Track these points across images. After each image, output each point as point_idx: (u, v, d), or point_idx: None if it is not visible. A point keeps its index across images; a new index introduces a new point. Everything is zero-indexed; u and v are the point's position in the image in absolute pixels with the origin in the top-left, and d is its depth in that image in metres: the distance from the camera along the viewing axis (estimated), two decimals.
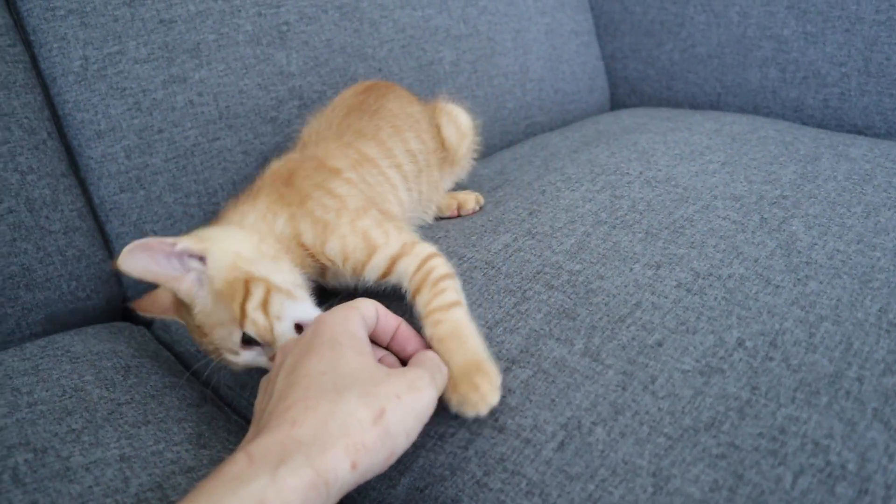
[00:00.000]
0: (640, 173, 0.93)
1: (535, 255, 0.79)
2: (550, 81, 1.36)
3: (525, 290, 0.75)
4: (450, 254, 0.82)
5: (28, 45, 0.90)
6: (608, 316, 0.70)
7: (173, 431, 0.67)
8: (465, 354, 0.62)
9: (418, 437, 0.55)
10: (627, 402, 0.61)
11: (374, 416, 0.51)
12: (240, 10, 0.99)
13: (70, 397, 0.68)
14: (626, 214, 0.84)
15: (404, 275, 0.71)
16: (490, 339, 0.69)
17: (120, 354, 0.78)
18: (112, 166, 0.93)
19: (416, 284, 0.69)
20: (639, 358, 0.65)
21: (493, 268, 0.79)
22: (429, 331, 0.65)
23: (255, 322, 0.65)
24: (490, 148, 1.27)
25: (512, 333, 0.70)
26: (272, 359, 0.65)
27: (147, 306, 0.73)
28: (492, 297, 0.75)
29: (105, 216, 0.94)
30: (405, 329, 0.66)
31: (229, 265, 0.67)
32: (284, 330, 0.67)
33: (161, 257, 0.64)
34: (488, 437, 0.61)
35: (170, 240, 0.64)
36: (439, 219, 0.95)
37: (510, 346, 0.69)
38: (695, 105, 1.40)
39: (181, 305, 0.69)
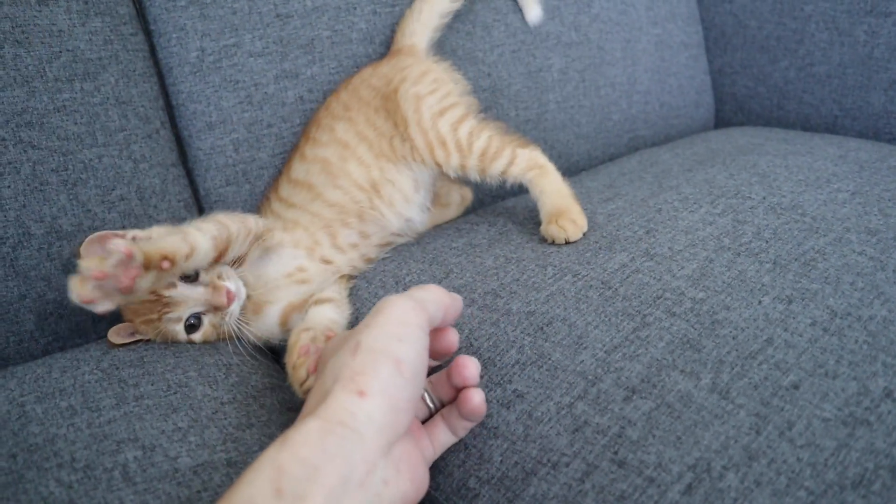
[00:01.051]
0: (763, 198, 0.88)
1: (654, 278, 0.75)
2: (657, 94, 1.31)
3: (645, 316, 0.71)
4: (562, 270, 0.79)
5: (148, 34, 0.90)
6: (737, 351, 0.65)
7: (277, 437, 0.65)
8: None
9: (528, 463, 0.54)
10: (762, 448, 0.56)
11: (352, 349, 0.53)
12: (355, 8, 0.98)
13: (175, 393, 0.67)
14: (750, 242, 0.79)
15: None
16: (608, 364, 0.66)
17: (221, 351, 0.77)
18: (220, 159, 0.93)
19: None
20: (773, 400, 0.60)
21: (610, 288, 0.75)
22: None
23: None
24: (592, 160, 1.24)
25: (632, 360, 0.66)
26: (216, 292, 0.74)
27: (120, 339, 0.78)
28: (609, 320, 0.71)
29: (209, 208, 0.94)
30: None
31: None
32: (222, 269, 0.76)
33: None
34: (607, 471, 0.58)
35: (121, 231, 0.75)
36: None
37: (630, 373, 0.65)
38: (807, 127, 1.34)
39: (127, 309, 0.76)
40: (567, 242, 0.84)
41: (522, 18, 1.12)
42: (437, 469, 0.65)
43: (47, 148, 0.80)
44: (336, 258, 0.88)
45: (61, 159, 0.80)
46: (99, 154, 0.83)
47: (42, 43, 0.80)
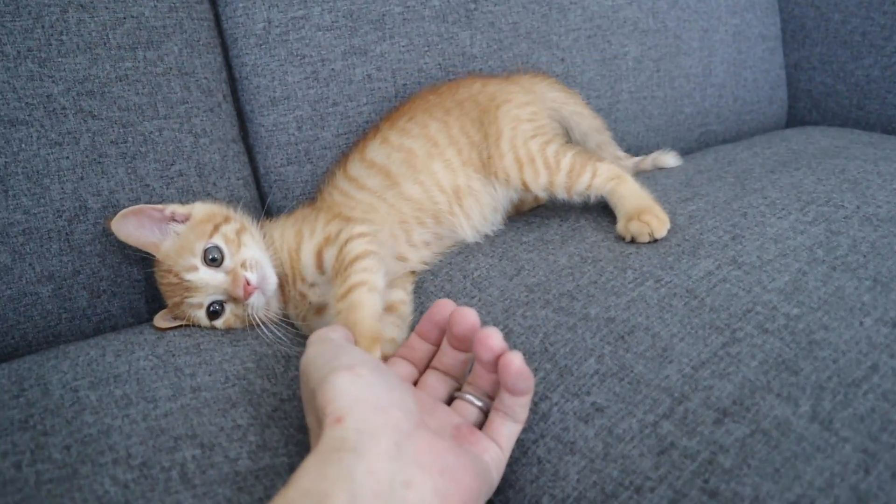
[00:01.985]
0: (857, 207, 0.82)
1: (743, 289, 0.70)
2: (731, 88, 1.25)
3: (735, 330, 0.66)
4: (643, 274, 0.74)
5: (213, 2, 0.87)
6: (838, 376, 0.60)
7: None
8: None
9: (608, 485, 0.53)
10: (874, 491, 0.51)
11: (314, 394, 0.51)
12: None
13: (233, 386, 0.64)
14: (846, 255, 0.74)
15: None
16: (695, 381, 0.61)
17: (279, 341, 0.73)
18: (282, 136, 0.89)
19: None
20: (882, 436, 0.55)
21: (696, 298, 0.70)
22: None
23: (226, 235, 0.74)
24: None
25: (721, 379, 0.62)
26: (235, 281, 0.72)
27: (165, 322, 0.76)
28: (695, 332, 0.66)
29: (268, 187, 0.90)
30: None
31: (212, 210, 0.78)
32: (247, 257, 0.74)
33: (147, 222, 0.74)
34: (697, 501, 0.54)
35: (160, 206, 0.75)
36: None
37: (720, 393, 0.60)
38: (889, 129, 1.26)
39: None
40: (652, 239, 0.80)
41: (600, 2, 1.06)
42: (508, 483, 0.61)
43: (107, 118, 0.76)
44: (410, 255, 0.85)
45: (121, 131, 0.77)
46: (159, 126, 0.79)
47: (106, 8, 0.76)
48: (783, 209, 0.83)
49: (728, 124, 1.27)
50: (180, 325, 0.75)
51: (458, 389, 0.63)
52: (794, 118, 1.41)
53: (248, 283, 0.72)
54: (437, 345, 0.65)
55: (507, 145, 0.86)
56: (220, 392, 0.63)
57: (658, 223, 0.80)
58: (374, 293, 0.70)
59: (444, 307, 0.63)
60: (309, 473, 0.45)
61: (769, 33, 1.32)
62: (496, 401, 0.59)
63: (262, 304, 0.75)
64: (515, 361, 0.56)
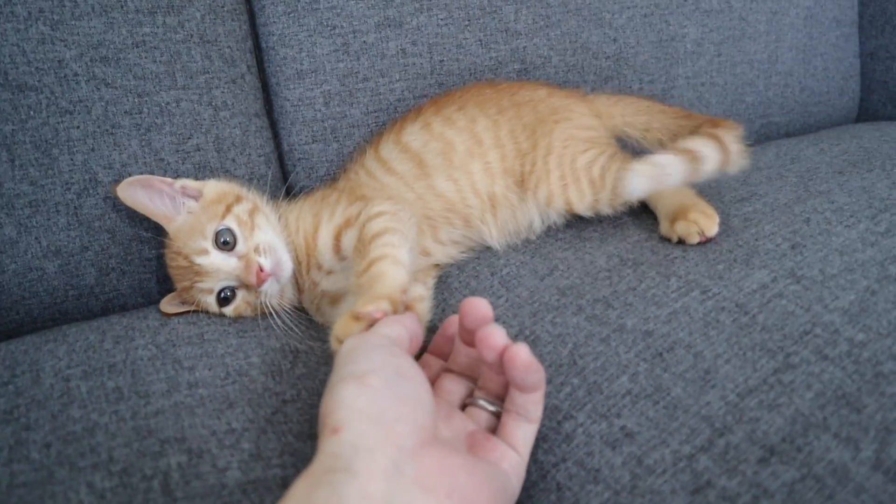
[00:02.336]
0: None
1: (800, 307, 0.63)
2: (798, 77, 1.15)
3: (788, 355, 0.59)
4: (689, 282, 0.67)
5: None
6: None
7: None
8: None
9: None
10: None
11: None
12: None
13: (233, 382, 0.59)
14: None
15: None
16: (740, 411, 0.55)
17: (290, 334, 0.69)
18: (308, 112, 0.84)
19: None
20: None
21: (747, 314, 0.63)
22: None
23: (238, 216, 0.70)
24: None
25: (770, 411, 0.55)
26: (248, 268, 0.68)
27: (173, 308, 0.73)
28: (744, 354, 0.59)
29: (291, 165, 0.86)
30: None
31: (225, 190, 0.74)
32: (261, 241, 0.70)
33: (157, 196, 0.71)
34: None
35: (169, 179, 0.71)
36: None
37: (768, 427, 0.54)
38: None
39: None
40: (704, 239, 0.73)
41: None
42: None
43: (122, 87, 0.72)
44: (436, 251, 0.79)
45: (136, 100, 0.73)
46: (177, 97, 0.75)
47: None
48: (852, 216, 0.75)
49: (793, 116, 1.17)
50: (188, 311, 0.71)
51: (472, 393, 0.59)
52: (867, 112, 1.31)
53: (261, 270, 0.68)
54: None
55: (556, 162, 0.79)
56: (219, 389, 0.58)
57: (707, 220, 0.73)
58: (398, 266, 0.63)
59: (455, 321, 0.58)
60: (296, 497, 0.40)
61: (845, 18, 1.22)
62: (507, 401, 0.55)
63: (276, 292, 0.70)
64: (521, 354, 0.51)
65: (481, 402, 0.56)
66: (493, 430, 0.56)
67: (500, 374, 0.54)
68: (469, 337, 0.56)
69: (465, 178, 0.79)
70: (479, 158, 0.80)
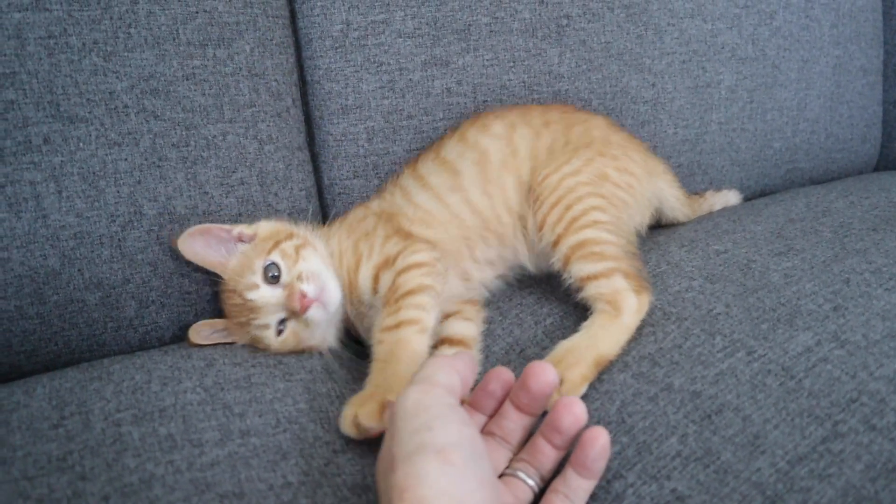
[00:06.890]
0: None
1: (846, 373, 0.63)
2: (825, 124, 1.16)
3: (837, 423, 0.59)
4: (734, 342, 0.67)
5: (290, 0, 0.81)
6: None
7: None
8: None
9: None
10: None
11: (390, 467, 0.45)
12: None
13: (284, 431, 0.59)
14: None
15: None
16: (790, 479, 0.55)
17: (334, 377, 0.68)
18: (351, 147, 0.84)
19: None
20: None
21: (793, 378, 0.63)
22: None
23: (283, 250, 0.70)
24: (744, 190, 1.10)
25: (822, 481, 0.55)
26: (290, 295, 0.68)
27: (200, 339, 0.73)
28: (791, 420, 0.59)
29: (331, 199, 0.85)
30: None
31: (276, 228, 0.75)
32: (304, 269, 0.70)
33: (214, 242, 0.72)
34: None
35: (227, 226, 0.72)
36: None
37: (819, 498, 0.54)
38: None
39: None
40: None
41: (699, 25, 0.98)
42: None
43: (170, 119, 0.71)
44: (473, 272, 0.79)
45: (183, 133, 0.72)
46: (223, 130, 0.74)
47: (179, 1, 0.71)
48: (891, 279, 0.75)
49: (816, 162, 1.18)
50: (217, 343, 0.71)
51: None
52: (886, 159, 1.32)
53: (303, 296, 0.68)
54: (492, 415, 0.58)
55: (557, 176, 0.76)
56: (271, 439, 0.58)
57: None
58: (423, 335, 0.67)
59: (499, 374, 0.57)
60: None
61: (871, 66, 1.23)
62: (558, 481, 0.53)
63: (324, 320, 0.71)
64: (602, 437, 0.51)
65: (521, 475, 0.55)
66: None
67: (558, 448, 0.53)
68: (527, 401, 0.55)
69: (499, 193, 0.79)
70: (512, 171, 0.79)
